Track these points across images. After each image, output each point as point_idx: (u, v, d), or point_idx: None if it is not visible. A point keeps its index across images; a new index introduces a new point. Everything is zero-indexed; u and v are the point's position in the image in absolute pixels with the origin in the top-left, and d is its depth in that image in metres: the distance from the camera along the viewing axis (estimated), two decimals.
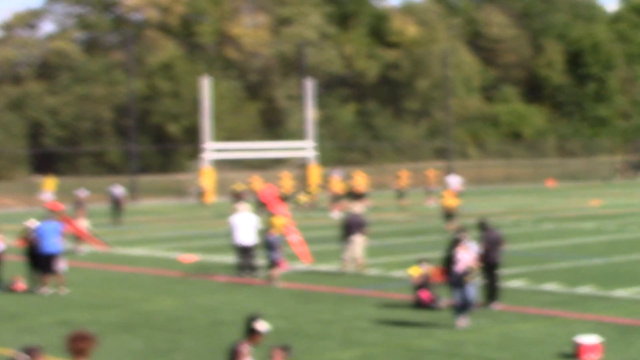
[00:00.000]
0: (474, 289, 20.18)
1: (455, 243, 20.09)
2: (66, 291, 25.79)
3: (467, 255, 19.89)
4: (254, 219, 28.59)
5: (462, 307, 19.72)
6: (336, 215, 48.53)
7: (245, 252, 28.04)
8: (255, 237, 28.12)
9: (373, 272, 28.23)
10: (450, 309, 20.48)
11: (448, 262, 20.00)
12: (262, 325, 11.86)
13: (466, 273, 19.69)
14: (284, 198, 51.98)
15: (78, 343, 10.14)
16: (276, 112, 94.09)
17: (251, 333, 11.83)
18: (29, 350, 10.69)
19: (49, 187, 61.37)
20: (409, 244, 35.80)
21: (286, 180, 55.45)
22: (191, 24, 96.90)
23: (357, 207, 30.06)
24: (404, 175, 56.47)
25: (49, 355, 13.07)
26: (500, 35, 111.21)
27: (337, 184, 52.81)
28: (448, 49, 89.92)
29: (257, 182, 56.24)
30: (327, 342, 18.72)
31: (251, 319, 11.91)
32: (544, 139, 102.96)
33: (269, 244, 26.43)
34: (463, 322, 19.72)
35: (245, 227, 28.00)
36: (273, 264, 26.34)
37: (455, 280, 19.75)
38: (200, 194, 63.89)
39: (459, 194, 46.39)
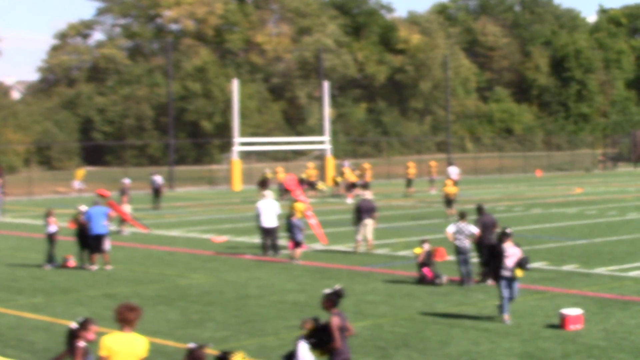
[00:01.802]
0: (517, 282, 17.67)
1: (503, 237, 17.69)
2: (111, 268, 25.70)
3: (517, 250, 17.39)
4: (276, 204, 28.40)
5: (509, 300, 17.52)
6: (350, 201, 48.35)
7: (269, 233, 27.87)
8: (277, 221, 27.94)
9: (382, 251, 28.04)
10: (497, 306, 17.98)
11: (496, 256, 17.53)
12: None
13: (520, 265, 17.31)
14: (309, 184, 52.14)
15: (126, 314, 10.06)
16: (297, 110, 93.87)
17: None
18: (83, 322, 10.60)
19: (78, 176, 61.58)
20: (413, 226, 35.57)
21: (310, 170, 55.45)
22: (222, 33, 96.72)
23: (368, 194, 29.81)
24: (411, 166, 56.22)
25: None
26: (494, 43, 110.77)
27: (350, 174, 52.62)
28: (448, 55, 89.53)
29: (281, 172, 56.30)
30: None
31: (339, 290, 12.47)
32: (532, 134, 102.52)
33: (291, 227, 26.26)
34: (508, 316, 17.51)
35: (269, 211, 27.82)
36: (295, 244, 26.17)
37: (507, 274, 17.34)
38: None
39: (458, 183, 46.08)
